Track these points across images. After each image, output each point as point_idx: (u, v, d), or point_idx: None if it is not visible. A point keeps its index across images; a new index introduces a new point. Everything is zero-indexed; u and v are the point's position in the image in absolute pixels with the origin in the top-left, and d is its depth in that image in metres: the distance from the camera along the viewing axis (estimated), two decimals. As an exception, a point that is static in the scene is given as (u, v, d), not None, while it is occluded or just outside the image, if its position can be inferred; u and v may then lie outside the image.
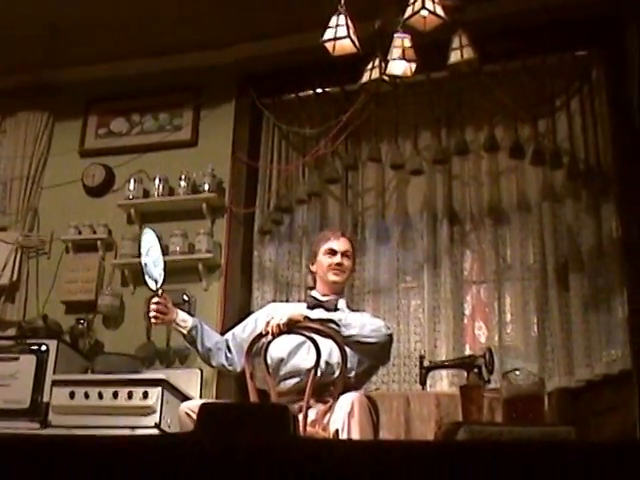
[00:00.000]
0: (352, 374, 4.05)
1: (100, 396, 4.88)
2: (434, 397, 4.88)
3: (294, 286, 5.72)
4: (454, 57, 4.44)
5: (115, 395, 4.86)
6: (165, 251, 5.49)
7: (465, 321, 5.52)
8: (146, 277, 4.10)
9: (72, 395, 4.93)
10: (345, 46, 4.30)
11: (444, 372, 5.26)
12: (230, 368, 4.21)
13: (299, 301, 4.94)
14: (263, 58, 5.89)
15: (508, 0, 5.53)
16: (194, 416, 3.73)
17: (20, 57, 6.21)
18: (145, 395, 4.83)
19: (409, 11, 4.13)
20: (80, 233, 5.95)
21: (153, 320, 4.12)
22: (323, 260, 4.29)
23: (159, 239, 4.25)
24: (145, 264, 4.12)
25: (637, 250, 5.00)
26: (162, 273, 4.08)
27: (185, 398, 4.82)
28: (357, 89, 5.01)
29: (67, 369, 5.18)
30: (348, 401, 3.69)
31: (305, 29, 5.25)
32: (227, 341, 4.23)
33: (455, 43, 4.44)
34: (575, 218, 5.36)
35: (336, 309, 4.19)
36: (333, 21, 4.28)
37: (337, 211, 5.87)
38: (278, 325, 3.83)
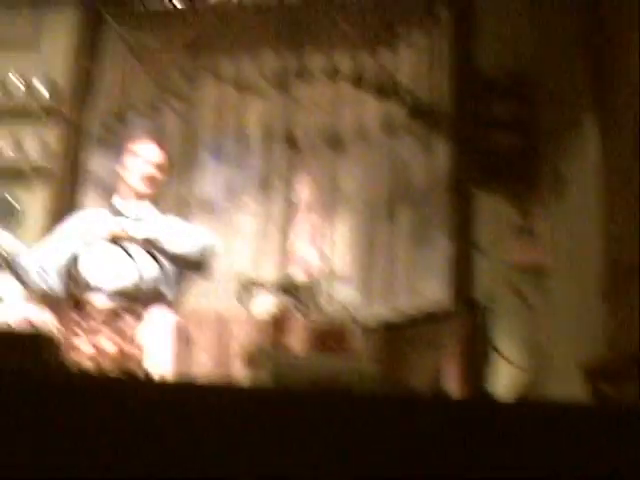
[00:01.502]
0: (170, 289, 4.04)
1: None
2: (253, 319, 4.92)
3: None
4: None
5: None
6: None
7: (292, 247, 5.57)
8: None
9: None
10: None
11: (267, 295, 5.32)
12: (49, 290, 4.01)
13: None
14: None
15: None
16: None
17: None
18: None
19: None
20: None
21: None
22: (132, 166, 4.23)
23: None
24: None
25: (460, 194, 5.14)
26: None
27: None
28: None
29: None
30: (160, 319, 3.69)
31: None
32: (42, 261, 4.05)
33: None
34: (409, 153, 5.44)
35: (140, 219, 4.12)
36: None
37: (175, 126, 5.78)
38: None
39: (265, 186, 5.59)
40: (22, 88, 5.63)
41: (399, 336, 5.17)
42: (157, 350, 3.62)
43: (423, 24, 5.51)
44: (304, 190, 5.64)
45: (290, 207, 5.56)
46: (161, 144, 4.43)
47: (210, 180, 5.71)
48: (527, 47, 5.13)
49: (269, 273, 5.40)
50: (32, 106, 5.61)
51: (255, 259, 5.47)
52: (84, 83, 5.70)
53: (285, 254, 5.47)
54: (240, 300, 4.93)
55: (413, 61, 5.49)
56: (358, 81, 5.43)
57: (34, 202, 5.50)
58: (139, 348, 3.66)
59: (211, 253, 4.05)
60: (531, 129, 5.03)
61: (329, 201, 5.53)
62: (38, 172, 5.53)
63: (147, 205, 4.21)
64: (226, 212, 5.64)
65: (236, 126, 5.76)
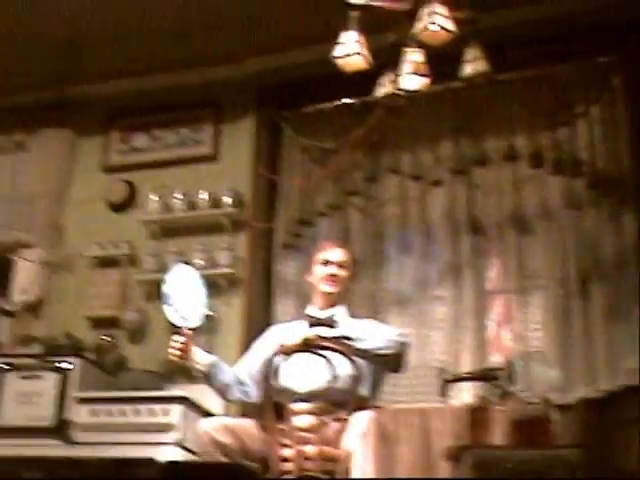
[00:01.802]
0: (368, 389, 4.05)
1: (122, 413, 4.94)
2: (453, 411, 4.85)
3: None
4: (467, 70, 4.40)
5: (137, 412, 4.92)
6: None
7: (488, 331, 5.48)
8: (169, 308, 4.13)
9: (94, 412, 4.99)
10: (356, 62, 4.30)
11: (466, 384, 5.25)
12: (247, 399, 4.22)
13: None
14: (281, 70, 5.91)
15: (527, 8, 5.47)
16: (214, 434, 3.79)
17: (41, 74, 6.33)
18: (166, 412, 4.88)
19: (419, 26, 4.10)
20: (103, 249, 6.00)
21: (174, 357, 4.14)
22: (318, 271, 4.31)
23: (200, 281, 4.29)
24: (168, 295, 4.14)
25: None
26: (197, 316, 4.16)
27: (208, 415, 4.83)
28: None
29: (91, 386, 5.22)
30: (361, 421, 3.70)
31: (322, 40, 5.21)
32: (240, 374, 4.25)
33: (468, 56, 4.40)
34: (596, 227, 5.29)
35: (334, 324, 4.17)
36: (343, 37, 4.27)
37: (360, 223, 5.84)
38: (292, 345, 3.85)
39: (454, 274, 5.55)
40: (207, 201, 5.82)
41: (602, 414, 4.99)
42: (358, 450, 3.62)
43: (601, 97, 5.42)
44: (494, 274, 5.57)
45: (481, 293, 5.49)
46: (345, 243, 4.49)
47: (399, 273, 5.71)
48: None
49: (467, 362, 5.33)
50: (219, 217, 5.80)
51: (451, 348, 5.42)
52: (266, 190, 5.85)
53: (481, 341, 5.39)
54: (440, 392, 4.89)
55: (589, 132, 5.40)
56: (537, 161, 5.36)
57: (230, 310, 5.64)
58: (341, 450, 3.67)
59: (403, 349, 4.05)
60: None
61: (520, 282, 5.43)
62: (231, 281, 5.67)
63: (339, 309, 4.29)
64: (418, 304, 5.62)
65: (420, 217, 5.77)
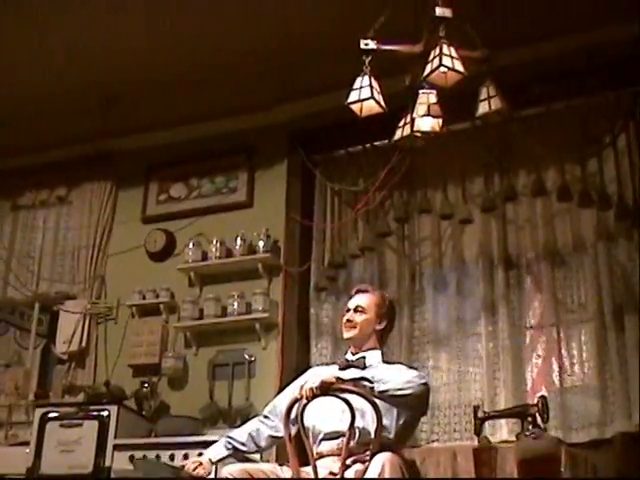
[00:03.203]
0: (391, 430, 4.06)
1: (158, 459, 5.01)
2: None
3: (353, 342, 5.78)
4: (482, 108, 4.43)
5: (172, 457, 4.99)
6: (224, 312, 5.78)
7: (525, 367, 5.47)
8: None
9: (132, 459, 5.06)
10: (371, 107, 4.36)
11: (502, 422, 5.24)
12: (279, 435, 4.24)
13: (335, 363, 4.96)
14: (311, 116, 6.01)
15: (545, 43, 5.54)
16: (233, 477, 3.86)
17: (81, 127, 6.56)
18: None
19: (428, 68, 4.16)
20: (144, 298, 6.15)
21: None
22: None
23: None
24: None
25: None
26: None
27: (246, 459, 4.87)
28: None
29: (130, 433, 5.34)
30: (379, 462, 3.72)
31: (349, 85, 5.33)
32: (262, 416, 4.33)
33: (483, 94, 4.43)
34: (628, 258, 5.27)
35: (365, 366, 4.21)
36: (357, 82, 4.34)
37: (394, 263, 5.89)
38: (311, 389, 3.89)
39: (491, 311, 5.55)
40: (242, 247, 5.94)
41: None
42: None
43: (627, 127, 5.41)
44: (530, 309, 5.55)
45: (517, 328, 5.48)
46: (377, 284, 4.53)
47: (436, 311, 5.74)
48: None
49: (505, 399, 5.32)
50: (254, 263, 5.90)
51: (489, 386, 5.41)
52: (300, 234, 5.93)
53: (518, 377, 5.37)
54: (475, 430, 4.89)
55: (616, 163, 5.41)
56: (565, 194, 5.37)
57: (266, 354, 5.72)
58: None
59: (422, 390, 4.06)
60: None
61: (557, 317, 5.41)
62: (267, 326, 5.75)
63: (371, 353, 4.32)
64: (454, 341, 5.63)
65: (454, 255, 5.81)
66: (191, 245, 6.10)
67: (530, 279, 5.59)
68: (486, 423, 5.19)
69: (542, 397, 4.85)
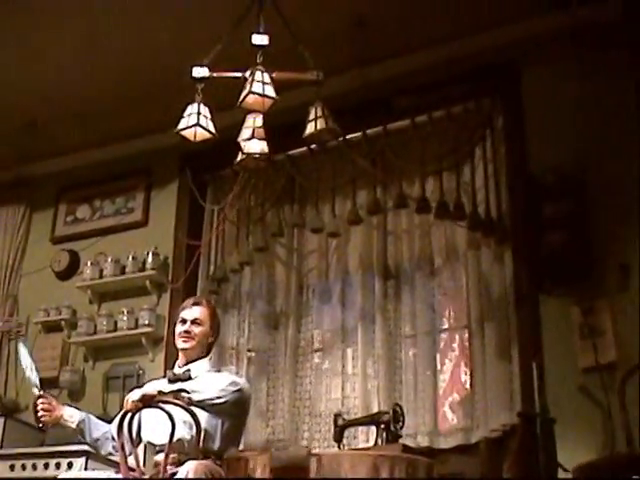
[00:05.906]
0: (216, 438, 4.28)
1: (34, 467, 5.33)
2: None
3: (240, 352, 6.05)
4: (309, 129, 4.58)
5: (46, 466, 5.30)
6: (115, 327, 6.00)
7: (398, 376, 5.65)
8: (28, 377, 4.47)
9: (12, 467, 5.40)
10: (200, 133, 4.57)
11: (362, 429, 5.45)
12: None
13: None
14: (200, 136, 6.23)
15: (407, 57, 5.77)
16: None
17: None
18: (70, 465, 5.22)
19: (242, 95, 4.36)
20: (48, 315, 6.48)
21: (42, 418, 4.41)
22: (176, 329, 4.58)
23: (30, 351, 4.67)
24: (28, 377, 4.49)
25: (526, 303, 5.08)
26: (38, 378, 4.45)
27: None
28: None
29: (19, 443, 5.63)
30: (184, 470, 3.94)
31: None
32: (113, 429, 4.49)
33: (311, 115, 4.56)
34: (490, 267, 5.41)
35: (190, 378, 4.42)
36: (188, 110, 4.53)
37: (283, 274, 6.14)
38: (133, 401, 4.14)
39: (370, 320, 5.74)
40: (133, 265, 6.25)
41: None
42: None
43: (485, 138, 5.58)
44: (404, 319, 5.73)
45: (392, 338, 5.68)
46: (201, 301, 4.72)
47: (321, 322, 5.97)
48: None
49: (377, 407, 5.48)
50: (142, 280, 6.19)
51: (365, 394, 5.61)
52: (188, 252, 6.18)
53: (393, 385, 5.56)
54: (335, 437, 5.11)
55: (474, 175, 5.57)
56: (422, 207, 5.53)
57: (153, 366, 5.98)
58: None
59: (237, 396, 4.24)
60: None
61: (429, 326, 5.61)
62: (154, 339, 6.04)
63: (198, 363, 4.52)
64: (337, 351, 5.84)
65: (339, 266, 6.03)
66: (89, 264, 6.42)
67: (406, 289, 5.76)
68: (358, 430, 5.45)
69: (396, 405, 5.06)
